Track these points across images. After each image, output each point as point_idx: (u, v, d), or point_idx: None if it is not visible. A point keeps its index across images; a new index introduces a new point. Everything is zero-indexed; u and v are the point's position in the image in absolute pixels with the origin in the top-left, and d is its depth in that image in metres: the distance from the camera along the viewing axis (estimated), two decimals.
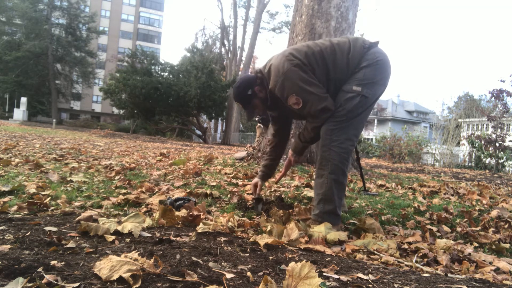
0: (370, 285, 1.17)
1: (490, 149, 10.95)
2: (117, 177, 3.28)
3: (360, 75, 2.00)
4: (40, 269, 1.06)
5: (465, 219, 2.46)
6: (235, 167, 4.72)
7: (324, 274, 1.25)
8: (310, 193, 2.85)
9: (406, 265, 1.52)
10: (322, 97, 1.98)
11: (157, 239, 1.52)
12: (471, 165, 12.67)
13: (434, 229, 2.16)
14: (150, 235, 1.61)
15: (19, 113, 25.42)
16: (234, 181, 3.53)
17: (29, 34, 32.81)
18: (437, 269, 1.51)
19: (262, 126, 7.57)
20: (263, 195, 2.88)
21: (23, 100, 26.30)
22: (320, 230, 1.82)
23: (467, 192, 3.63)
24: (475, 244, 1.98)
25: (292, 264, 1.04)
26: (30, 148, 5.77)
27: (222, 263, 1.28)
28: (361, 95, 1.97)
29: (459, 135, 16.32)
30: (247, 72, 27.84)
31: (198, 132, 24.26)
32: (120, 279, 1.03)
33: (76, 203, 2.23)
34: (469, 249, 1.77)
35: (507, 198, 3.52)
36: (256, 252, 1.48)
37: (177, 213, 1.96)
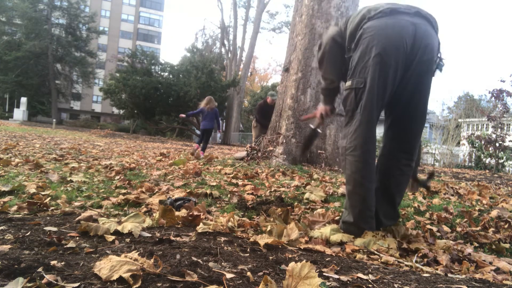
0: (370, 285, 1.17)
1: (490, 149, 10.93)
2: (117, 177, 3.28)
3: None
4: (40, 269, 1.06)
5: (465, 219, 2.46)
6: (235, 167, 4.72)
7: (324, 274, 1.24)
8: (310, 193, 2.85)
9: (406, 265, 1.52)
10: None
11: (157, 239, 1.52)
12: (471, 165, 12.66)
13: (434, 229, 2.16)
14: (150, 235, 1.61)
15: (19, 113, 25.44)
16: (234, 181, 3.53)
17: (29, 34, 32.78)
18: (437, 269, 1.51)
19: (258, 126, 7.60)
20: (263, 195, 2.88)
21: (23, 100, 26.32)
22: (325, 231, 1.82)
23: (467, 192, 3.62)
24: (475, 244, 1.97)
25: (292, 264, 1.03)
26: (30, 148, 5.77)
27: (222, 263, 1.27)
28: (354, 88, 1.84)
29: (459, 135, 16.29)
30: (247, 72, 27.85)
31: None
32: (120, 279, 1.03)
33: (76, 203, 2.23)
34: (469, 249, 1.77)
35: (507, 198, 3.52)
36: (256, 252, 1.48)
37: (177, 213, 1.96)
